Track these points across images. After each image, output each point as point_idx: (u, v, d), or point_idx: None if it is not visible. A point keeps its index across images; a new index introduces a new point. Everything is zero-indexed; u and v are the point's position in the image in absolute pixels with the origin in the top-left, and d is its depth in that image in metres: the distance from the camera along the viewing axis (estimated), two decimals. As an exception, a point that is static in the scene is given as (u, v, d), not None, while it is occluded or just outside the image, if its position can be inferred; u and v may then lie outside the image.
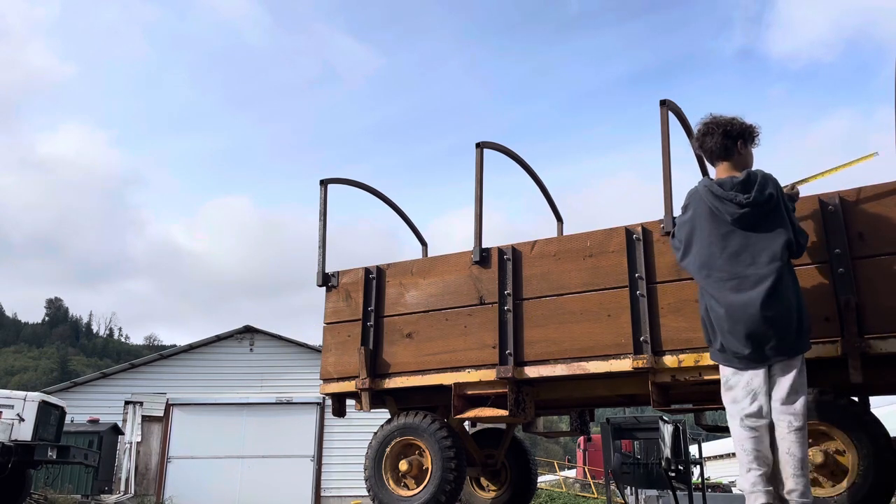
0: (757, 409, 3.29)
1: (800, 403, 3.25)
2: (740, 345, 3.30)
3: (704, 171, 5.27)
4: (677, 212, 4.25)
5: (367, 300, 5.21)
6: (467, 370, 4.68)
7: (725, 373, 3.43)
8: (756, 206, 3.36)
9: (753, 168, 3.57)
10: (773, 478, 3.25)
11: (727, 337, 3.36)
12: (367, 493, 5.03)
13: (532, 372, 4.49)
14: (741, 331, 3.29)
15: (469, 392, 4.67)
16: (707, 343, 3.57)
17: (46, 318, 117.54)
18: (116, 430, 15.83)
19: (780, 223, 3.38)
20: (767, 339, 3.26)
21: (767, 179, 3.42)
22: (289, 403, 17.64)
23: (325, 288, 5.46)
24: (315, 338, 19.97)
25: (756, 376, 3.32)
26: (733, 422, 3.35)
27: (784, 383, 3.27)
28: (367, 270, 5.29)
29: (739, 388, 3.35)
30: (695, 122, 4.66)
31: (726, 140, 3.57)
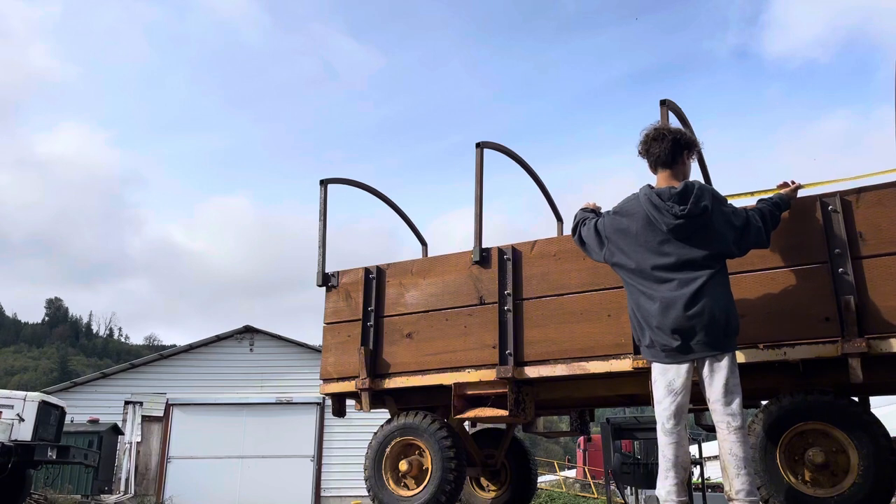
0: (676, 409, 3.43)
1: (736, 404, 3.36)
2: (668, 337, 3.43)
3: (707, 175, 5.27)
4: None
5: (367, 300, 5.21)
6: (467, 370, 4.68)
7: (654, 372, 3.55)
8: (691, 217, 3.47)
9: (691, 179, 3.66)
10: (687, 485, 3.42)
11: (656, 331, 3.48)
12: (367, 493, 5.02)
13: (532, 372, 4.49)
14: (669, 324, 3.41)
15: (469, 392, 4.67)
16: (636, 342, 3.68)
17: (46, 318, 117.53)
18: (116, 430, 15.82)
19: (713, 234, 3.50)
20: (693, 333, 3.39)
21: (704, 191, 3.54)
22: (289, 403, 17.63)
23: (325, 288, 5.46)
24: (315, 338, 19.96)
25: (679, 375, 3.44)
26: (658, 427, 3.49)
27: (717, 384, 3.38)
28: (367, 270, 5.28)
29: (661, 387, 3.48)
30: (694, 123, 4.67)
31: (675, 148, 3.66)
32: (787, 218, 3.95)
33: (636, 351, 4.15)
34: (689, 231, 3.48)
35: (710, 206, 3.48)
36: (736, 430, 3.32)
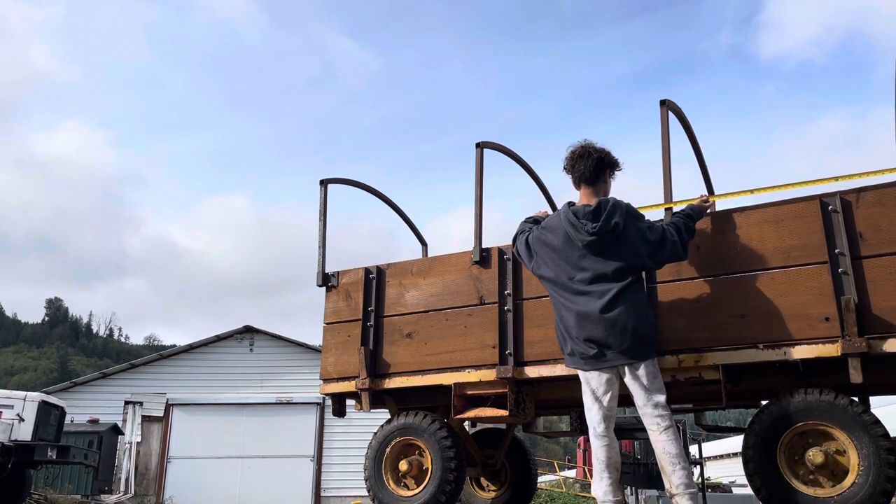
0: (604, 414, 3.66)
1: (661, 405, 3.58)
2: (584, 346, 3.67)
3: (707, 175, 5.27)
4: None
5: (367, 300, 5.20)
6: (467, 370, 4.68)
7: (581, 381, 3.76)
8: (602, 234, 3.69)
9: (608, 197, 3.85)
10: (621, 484, 3.65)
11: (575, 341, 3.72)
12: (367, 493, 5.02)
13: (532, 372, 4.48)
14: (584, 334, 3.66)
15: (469, 392, 4.66)
16: (561, 351, 3.89)
17: (46, 318, 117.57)
18: (116, 430, 15.82)
19: (627, 248, 3.70)
20: (607, 343, 3.61)
21: (616, 208, 3.72)
22: (289, 403, 17.62)
23: (325, 288, 5.45)
24: (314, 338, 19.96)
25: (600, 383, 3.65)
26: (590, 432, 3.71)
27: (640, 391, 3.60)
28: (367, 270, 5.28)
29: (588, 395, 3.70)
30: (694, 123, 4.67)
31: (599, 167, 3.87)
32: (787, 218, 3.96)
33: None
34: (602, 246, 3.70)
35: (623, 222, 3.68)
36: (665, 430, 3.53)
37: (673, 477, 3.48)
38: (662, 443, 3.51)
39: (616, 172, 3.98)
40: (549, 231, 3.92)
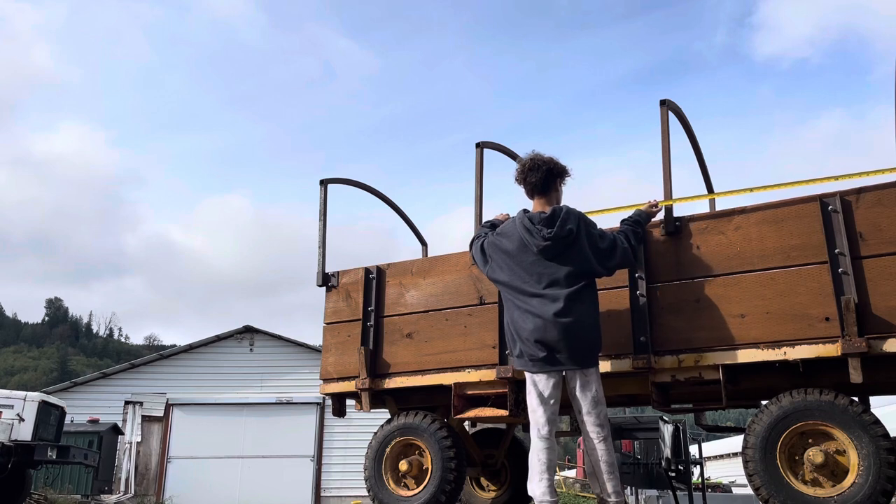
0: (549, 416, 3.76)
1: (603, 415, 3.78)
2: (535, 348, 3.74)
3: (706, 175, 5.28)
4: (678, 211, 4.29)
5: (367, 300, 5.21)
6: (467, 370, 4.68)
7: (527, 383, 3.85)
8: (556, 240, 3.79)
9: (561, 204, 3.98)
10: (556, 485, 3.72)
11: (525, 342, 3.79)
12: (367, 493, 5.02)
13: (532, 372, 4.48)
14: (536, 336, 3.73)
15: (469, 392, 4.66)
16: (508, 352, 3.97)
17: (46, 318, 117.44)
18: (116, 430, 15.81)
19: (580, 254, 3.82)
20: (559, 347, 3.69)
21: (570, 215, 3.85)
22: (289, 403, 17.62)
23: (325, 288, 5.46)
24: (314, 337, 19.97)
25: (547, 386, 3.74)
26: (533, 433, 3.79)
27: (587, 397, 3.75)
28: (367, 270, 5.28)
29: (534, 397, 3.77)
30: (694, 123, 4.68)
31: (549, 177, 3.99)
32: (787, 218, 3.96)
33: (636, 351, 4.15)
34: (556, 251, 3.80)
35: (577, 229, 3.80)
36: (604, 440, 3.74)
37: (608, 484, 3.73)
38: (601, 452, 3.72)
39: (567, 179, 4.10)
40: (503, 237, 4.01)
